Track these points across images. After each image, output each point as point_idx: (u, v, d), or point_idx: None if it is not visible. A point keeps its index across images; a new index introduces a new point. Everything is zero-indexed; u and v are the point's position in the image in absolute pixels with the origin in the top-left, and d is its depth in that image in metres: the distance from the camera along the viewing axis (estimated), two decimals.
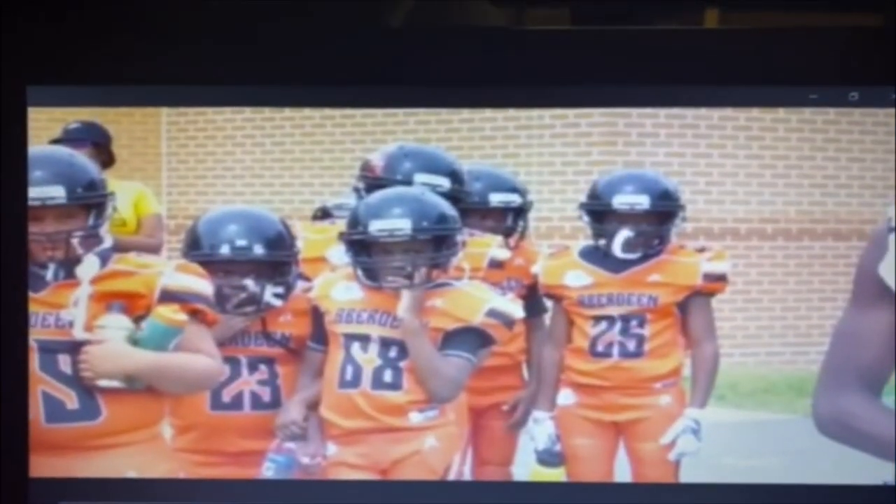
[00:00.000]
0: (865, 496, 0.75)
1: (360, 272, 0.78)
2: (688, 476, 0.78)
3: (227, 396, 0.79)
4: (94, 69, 0.76)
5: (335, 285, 0.79)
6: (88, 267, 0.76)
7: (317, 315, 0.79)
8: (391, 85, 0.76)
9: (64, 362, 0.75)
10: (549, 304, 0.82)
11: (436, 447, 0.77)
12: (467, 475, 0.79)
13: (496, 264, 0.81)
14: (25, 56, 0.76)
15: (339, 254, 0.79)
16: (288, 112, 0.79)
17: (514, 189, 0.81)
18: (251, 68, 0.75)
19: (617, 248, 0.80)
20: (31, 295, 0.75)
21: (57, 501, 0.77)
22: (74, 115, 0.79)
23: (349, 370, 0.77)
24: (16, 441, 0.76)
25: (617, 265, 0.81)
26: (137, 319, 0.75)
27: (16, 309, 0.76)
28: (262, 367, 0.79)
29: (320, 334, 0.79)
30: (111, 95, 0.76)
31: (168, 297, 0.75)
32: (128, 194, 0.80)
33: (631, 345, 0.80)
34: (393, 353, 0.77)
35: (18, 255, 0.76)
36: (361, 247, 0.77)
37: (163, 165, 0.79)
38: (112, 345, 0.74)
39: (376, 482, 0.78)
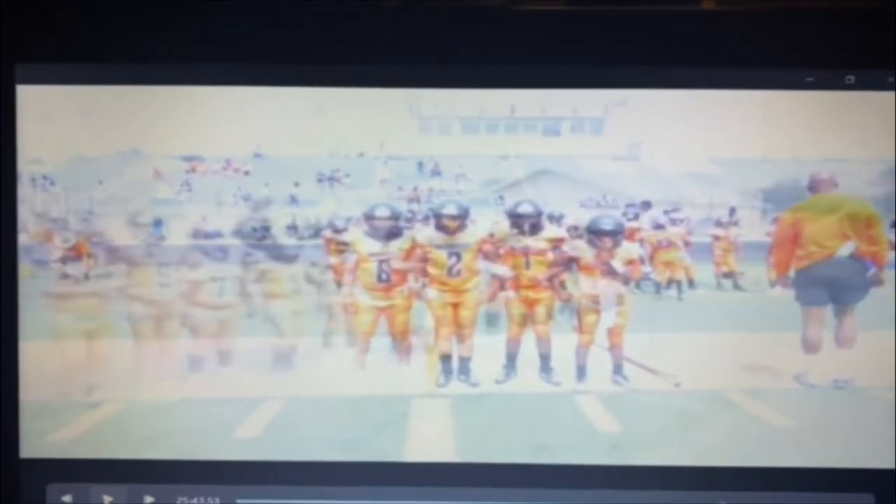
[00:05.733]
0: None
1: None
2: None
3: None
4: (83, 47, 0.75)
5: None
6: None
7: None
8: (387, 64, 0.76)
9: None
10: None
11: None
12: None
13: None
14: (14, 33, 0.75)
15: None
16: (277, 90, 0.78)
17: None
18: (242, 46, 0.74)
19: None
20: None
21: (46, 483, 0.77)
22: (62, 94, 0.78)
23: None
24: (7, 422, 0.76)
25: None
26: None
27: (6, 290, 0.75)
28: None
29: None
30: (100, 73, 0.76)
31: None
32: None
33: None
34: None
35: (9, 232, 0.76)
36: None
37: None
38: None
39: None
